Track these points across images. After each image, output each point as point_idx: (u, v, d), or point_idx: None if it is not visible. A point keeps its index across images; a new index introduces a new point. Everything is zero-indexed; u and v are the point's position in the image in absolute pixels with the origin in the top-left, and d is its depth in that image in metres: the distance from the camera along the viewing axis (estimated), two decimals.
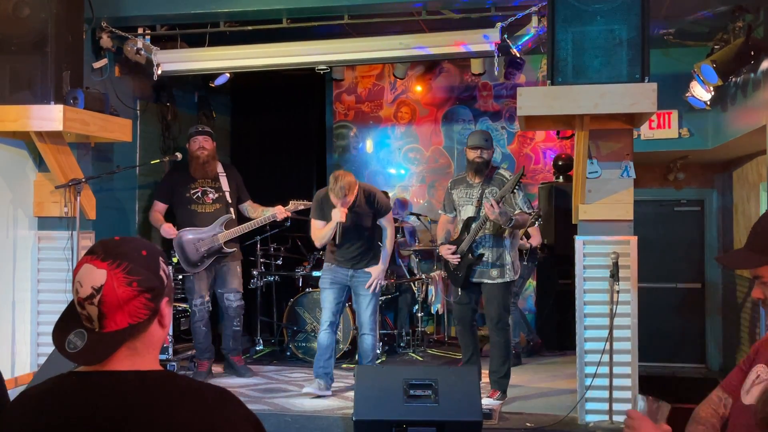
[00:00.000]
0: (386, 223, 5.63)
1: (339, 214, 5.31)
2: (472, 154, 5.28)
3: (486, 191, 5.23)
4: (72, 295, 1.49)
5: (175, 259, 5.92)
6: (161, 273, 1.53)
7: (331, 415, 5.01)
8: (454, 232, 5.64)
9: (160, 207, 6.05)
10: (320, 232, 5.53)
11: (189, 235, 5.89)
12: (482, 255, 5.20)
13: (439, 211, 5.69)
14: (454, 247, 5.27)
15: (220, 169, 6.10)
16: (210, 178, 6.04)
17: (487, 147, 5.27)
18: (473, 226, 5.22)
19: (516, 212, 5.09)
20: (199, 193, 5.99)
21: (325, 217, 5.49)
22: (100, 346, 1.46)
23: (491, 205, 4.94)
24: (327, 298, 5.58)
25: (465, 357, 5.39)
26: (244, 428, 1.49)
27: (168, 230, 5.91)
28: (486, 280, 5.22)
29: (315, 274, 6.74)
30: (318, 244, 5.65)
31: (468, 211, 5.30)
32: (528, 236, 6.56)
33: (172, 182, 6.11)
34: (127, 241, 1.53)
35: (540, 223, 6.23)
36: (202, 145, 5.96)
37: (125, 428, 1.41)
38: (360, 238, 5.53)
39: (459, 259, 5.24)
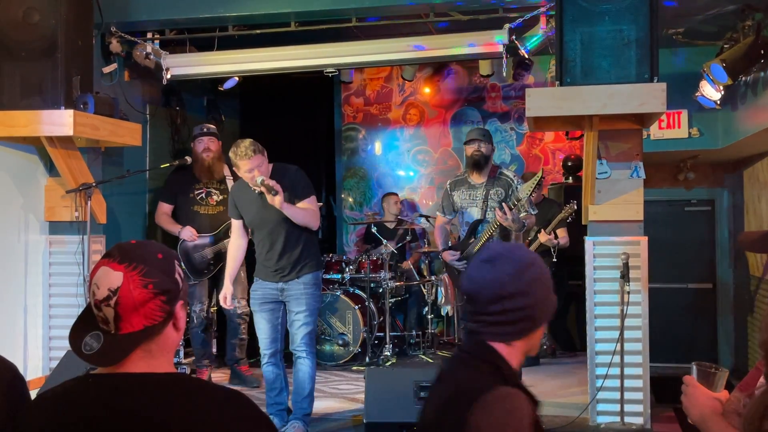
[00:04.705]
0: (308, 204, 4.53)
1: (271, 183, 4.31)
2: (471, 149, 5.22)
3: (491, 192, 5.17)
4: (85, 298, 1.50)
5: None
6: (176, 276, 1.54)
7: (342, 417, 5.02)
8: (452, 234, 5.59)
9: (165, 208, 5.94)
10: (235, 240, 4.75)
11: (193, 241, 5.79)
12: None
13: (437, 212, 5.61)
14: (457, 254, 5.19)
15: (227, 171, 5.97)
16: (216, 179, 5.94)
17: (484, 140, 5.19)
18: (481, 228, 5.17)
19: (522, 215, 5.06)
20: (203, 194, 5.91)
21: (240, 214, 4.66)
22: (116, 348, 1.48)
23: (504, 212, 4.88)
24: (259, 324, 4.59)
25: None
26: (257, 430, 1.50)
27: (190, 233, 5.74)
28: None
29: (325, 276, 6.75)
30: (231, 261, 4.79)
31: (473, 214, 5.22)
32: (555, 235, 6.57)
33: (176, 182, 6.00)
34: (143, 245, 1.55)
35: (573, 218, 6.14)
36: (207, 146, 5.85)
37: (140, 430, 1.42)
38: (281, 235, 4.49)
39: (466, 265, 5.18)
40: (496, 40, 5.30)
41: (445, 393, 1.73)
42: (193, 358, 6.09)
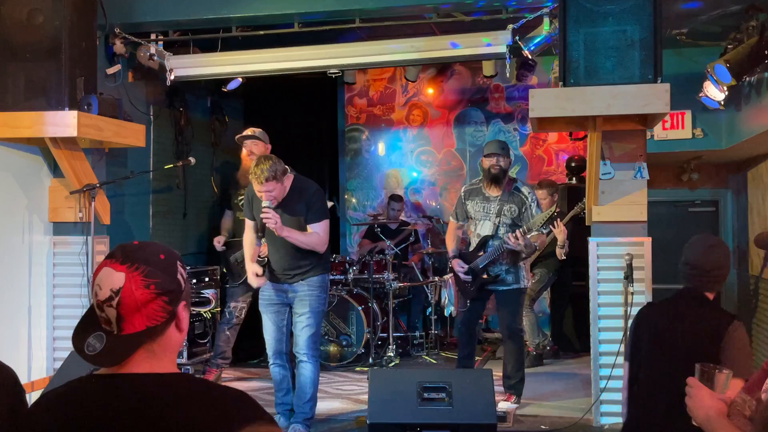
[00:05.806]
0: (318, 229, 4.62)
1: (269, 216, 4.40)
2: (488, 162, 5.14)
3: (504, 208, 5.11)
4: (89, 298, 1.51)
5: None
6: (179, 277, 1.54)
7: (346, 418, 5.02)
8: (465, 241, 5.58)
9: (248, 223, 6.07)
10: (249, 236, 4.83)
11: (225, 247, 6.06)
12: (497, 276, 5.12)
13: (450, 218, 5.60)
14: (466, 266, 5.18)
15: None
16: None
17: (503, 154, 5.13)
18: (491, 244, 5.14)
19: (534, 234, 5.03)
20: (244, 200, 6.00)
21: (254, 215, 4.75)
22: (118, 349, 1.48)
23: (516, 237, 4.88)
24: (266, 326, 4.72)
25: (463, 352, 5.29)
26: (260, 431, 1.50)
27: (217, 242, 6.07)
28: (501, 287, 5.18)
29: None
30: (247, 251, 4.88)
31: (485, 228, 5.17)
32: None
33: (229, 192, 6.27)
34: (145, 246, 1.55)
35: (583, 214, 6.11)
36: (250, 149, 5.73)
37: (143, 430, 1.42)
38: (289, 242, 4.59)
39: (471, 279, 5.17)
40: (499, 41, 5.29)
41: (695, 327, 2.89)
42: (200, 357, 6.07)
